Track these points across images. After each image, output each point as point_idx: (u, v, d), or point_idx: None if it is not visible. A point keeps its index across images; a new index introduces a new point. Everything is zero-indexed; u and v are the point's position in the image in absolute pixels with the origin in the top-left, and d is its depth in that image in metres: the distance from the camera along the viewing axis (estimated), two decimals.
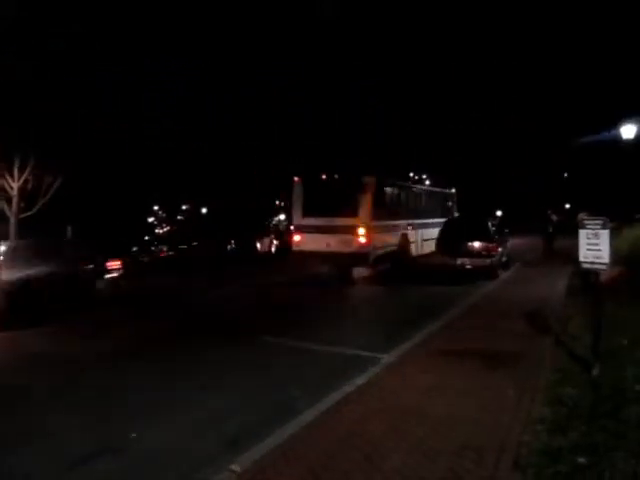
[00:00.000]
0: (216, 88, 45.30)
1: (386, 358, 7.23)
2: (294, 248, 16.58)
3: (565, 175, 63.28)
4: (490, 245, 15.41)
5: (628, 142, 22.15)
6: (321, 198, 16.02)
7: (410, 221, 18.83)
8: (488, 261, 15.32)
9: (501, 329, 8.78)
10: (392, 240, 17.27)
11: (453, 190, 26.04)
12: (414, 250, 19.10)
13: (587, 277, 9.41)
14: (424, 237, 19.92)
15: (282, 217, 59.58)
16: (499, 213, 50.17)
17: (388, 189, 17.84)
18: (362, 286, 15.49)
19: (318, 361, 7.42)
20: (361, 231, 15.20)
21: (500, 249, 16.47)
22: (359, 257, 15.23)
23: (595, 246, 5.89)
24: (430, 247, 18.88)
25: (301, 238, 16.19)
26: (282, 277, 17.71)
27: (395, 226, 17.68)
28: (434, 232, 18.35)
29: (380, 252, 16.19)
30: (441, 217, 20.83)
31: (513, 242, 22.40)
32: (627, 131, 21.55)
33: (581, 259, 6.11)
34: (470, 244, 15.48)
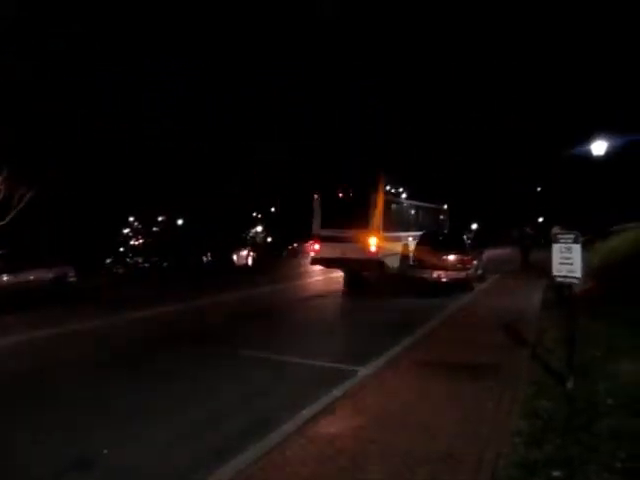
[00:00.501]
0: (198, 95, 45.23)
1: (364, 370, 7.23)
2: (313, 255, 18.53)
3: (538, 189, 64.38)
4: (465, 258, 15.57)
5: (599, 158, 22.69)
6: (337, 212, 18.27)
7: (410, 233, 20.47)
8: (463, 274, 15.46)
9: (478, 341, 8.85)
10: (397, 249, 18.94)
11: (445, 206, 28.47)
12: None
13: (561, 290, 9.59)
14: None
15: (259, 229, 59.44)
16: (474, 226, 50.87)
17: (394, 205, 19.90)
18: (341, 298, 15.47)
19: (296, 374, 7.38)
20: (372, 241, 17.05)
21: (475, 262, 16.65)
22: (370, 263, 16.92)
23: (568, 260, 6.00)
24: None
25: (319, 246, 18.18)
26: (259, 289, 17.64)
27: (399, 237, 19.42)
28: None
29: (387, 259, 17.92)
30: (434, 225, 23.48)
31: (491, 254, 22.77)
32: (597, 147, 22.08)
33: (554, 273, 6.21)
34: (446, 257, 15.62)
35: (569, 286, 6.27)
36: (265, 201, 61.94)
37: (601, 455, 4.08)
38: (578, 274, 5.97)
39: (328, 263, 18.20)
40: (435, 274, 15.60)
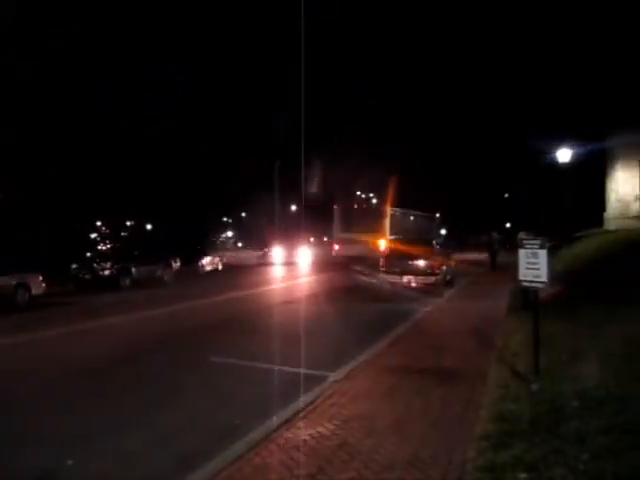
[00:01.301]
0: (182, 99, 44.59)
1: (334, 376, 7.23)
2: (334, 253, 24.09)
3: (506, 195, 65.64)
4: (434, 263, 15.74)
5: (564, 165, 23.30)
6: (354, 219, 23.79)
7: (410, 236, 23.13)
8: (432, 279, 15.63)
9: (446, 346, 8.94)
10: None
11: (437, 214, 35.00)
12: None
13: (527, 295, 9.77)
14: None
15: (230, 234, 59.03)
16: (443, 232, 51.46)
17: (398, 214, 25.07)
18: (309, 303, 15.44)
19: (266, 380, 7.31)
20: (382, 242, 21.61)
21: (444, 267, 16.84)
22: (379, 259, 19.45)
23: (534, 265, 6.12)
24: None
25: (339, 247, 23.62)
26: (229, 295, 17.49)
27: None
28: None
29: None
30: (429, 234, 27.74)
31: (460, 258, 23.15)
32: (563, 155, 22.67)
33: (521, 278, 6.33)
34: (415, 262, 15.77)
35: (535, 291, 6.40)
36: (236, 206, 61.68)
37: (567, 457, 4.14)
38: (544, 279, 6.10)
39: (347, 259, 22.49)
40: (405, 279, 15.75)
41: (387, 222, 23.85)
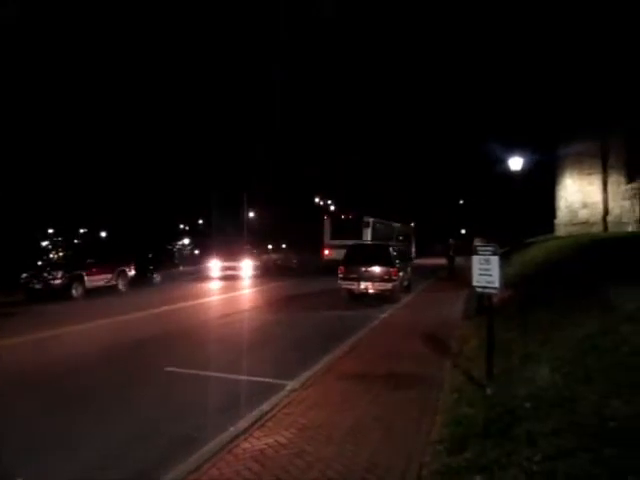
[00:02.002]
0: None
1: (291, 384, 7.20)
2: (325, 257, 27.90)
3: (461, 202, 67.03)
4: (392, 269, 15.89)
5: (516, 173, 23.99)
6: (341, 228, 28.03)
7: (389, 242, 27.38)
8: (390, 285, 15.78)
9: (403, 352, 9.03)
10: None
11: (412, 224, 40.27)
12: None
13: (481, 300, 9.98)
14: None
15: (186, 241, 58.11)
16: (401, 238, 52.06)
17: (377, 224, 29.51)
18: (265, 312, 15.34)
19: (223, 390, 7.22)
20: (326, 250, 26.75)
21: (401, 273, 17.03)
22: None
23: (487, 271, 6.26)
24: None
25: (329, 252, 27.08)
26: (185, 303, 17.20)
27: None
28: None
29: None
30: (404, 241, 34.84)
31: (423, 263, 23.58)
32: (514, 163, 23.34)
33: (474, 283, 6.47)
34: (372, 269, 15.90)
35: (488, 296, 6.55)
36: (192, 212, 60.94)
37: (520, 459, 4.23)
38: (496, 284, 6.24)
39: (336, 262, 24.19)
40: (362, 286, 15.85)
41: (368, 231, 28.33)
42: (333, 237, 27.62)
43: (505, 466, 4.13)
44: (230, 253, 31.42)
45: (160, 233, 46.74)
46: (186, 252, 48.12)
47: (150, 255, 28.18)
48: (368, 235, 27.83)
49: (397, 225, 35.22)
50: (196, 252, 47.25)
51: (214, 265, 28.69)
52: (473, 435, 4.89)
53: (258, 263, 37.33)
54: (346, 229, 27.95)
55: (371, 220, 28.86)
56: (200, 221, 67.46)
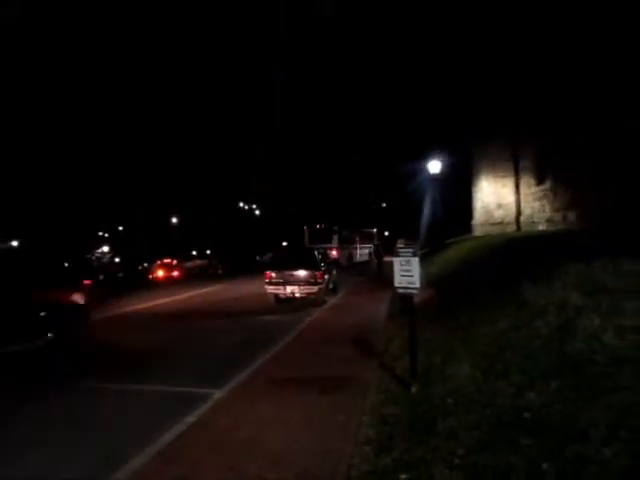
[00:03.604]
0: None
1: (219, 393, 7.08)
2: None
3: (384, 205, 68.46)
4: (317, 273, 16.00)
5: (435, 176, 24.84)
6: (317, 236, 36.12)
7: (353, 245, 40.31)
8: (315, 288, 15.88)
9: (330, 355, 9.10)
10: (346, 254, 37.89)
11: (375, 230, 47.98)
12: (355, 259, 40.35)
13: (405, 300, 10.23)
14: (360, 253, 41.82)
15: (106, 249, 55.97)
16: (364, 242, 52.68)
17: (344, 232, 38.62)
18: (186, 319, 14.99)
19: (147, 403, 6.97)
20: (334, 251, 33.48)
21: (327, 276, 17.19)
22: (334, 262, 26.17)
23: (408, 272, 6.43)
24: (362, 258, 42.05)
25: None
26: (105, 313, 16.52)
27: (347, 248, 38.59)
28: (364, 251, 42.13)
29: (343, 260, 35.70)
30: (368, 244, 43.46)
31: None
32: (433, 166, 24.17)
33: (396, 284, 6.63)
34: (298, 273, 15.94)
35: (410, 297, 6.73)
36: (112, 219, 58.85)
37: (443, 454, 4.36)
38: (417, 285, 6.43)
39: None
40: (289, 289, 15.87)
41: (335, 237, 36.46)
42: (311, 242, 34.51)
43: (430, 462, 4.26)
44: (156, 260, 31.28)
45: (78, 241, 44.72)
46: (106, 260, 46.31)
47: (67, 265, 26.86)
48: (336, 241, 36.26)
49: (361, 231, 43.20)
50: (116, 260, 45.56)
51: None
52: (399, 434, 5.00)
53: (182, 270, 36.62)
54: (320, 236, 36.02)
55: (337, 229, 38.00)
56: (121, 227, 65.24)
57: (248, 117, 69.03)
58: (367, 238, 43.85)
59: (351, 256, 39.62)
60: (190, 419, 6.02)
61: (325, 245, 31.96)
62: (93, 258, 44.29)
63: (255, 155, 61.55)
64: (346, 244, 38.56)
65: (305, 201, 64.18)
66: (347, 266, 36.17)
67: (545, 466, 3.62)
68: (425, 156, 25.57)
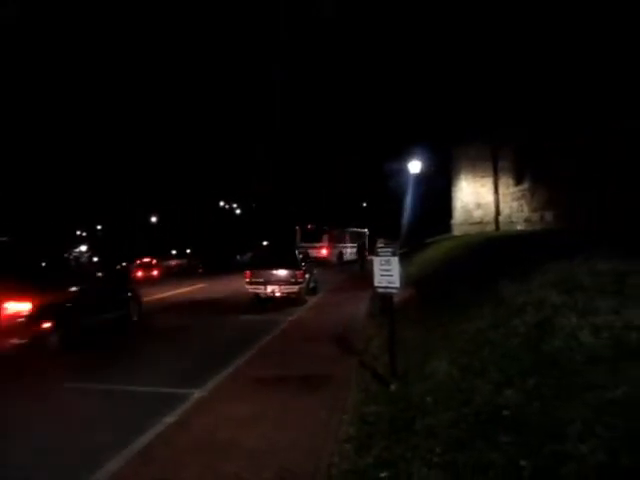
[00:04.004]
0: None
1: (198, 392, 7.03)
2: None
3: (364, 204, 68.59)
4: (298, 272, 15.98)
5: (415, 176, 24.99)
6: (308, 235, 37.61)
7: (343, 244, 42.06)
8: (296, 288, 15.86)
9: (310, 354, 9.11)
10: (336, 253, 39.58)
11: (365, 230, 48.64)
12: (345, 258, 40.90)
13: (385, 300, 10.27)
14: (350, 252, 41.29)
15: (84, 248, 55.17)
16: (354, 241, 52.65)
17: (335, 231, 40.38)
18: (167, 318, 14.86)
19: (126, 404, 6.90)
20: (324, 250, 36.98)
21: (307, 275, 17.17)
22: (325, 260, 33.67)
23: (387, 272, 6.45)
24: (352, 257, 39.59)
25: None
26: None
27: (337, 247, 40.33)
28: (354, 250, 38.45)
29: (333, 258, 38.16)
30: (358, 243, 40.80)
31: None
32: (413, 167, 24.31)
33: (376, 284, 6.65)
34: (278, 272, 15.90)
35: (390, 296, 6.75)
36: (90, 218, 58.12)
37: (422, 452, 4.39)
38: (397, 284, 6.45)
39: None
40: (269, 289, 15.82)
41: (325, 237, 38.22)
42: (302, 241, 36.11)
43: (409, 460, 4.28)
44: (135, 259, 31.13)
45: (55, 240, 44.04)
46: (83, 260, 45.68)
47: (44, 264, 26.47)
48: (326, 240, 38.17)
49: (350, 230, 44.73)
50: (94, 259, 44.97)
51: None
52: (379, 432, 5.02)
53: (161, 269, 36.33)
54: (310, 236, 37.64)
55: (326, 229, 39.51)
56: (99, 227, 64.46)
57: (248, 117, 68.93)
58: (358, 237, 45.02)
59: (341, 255, 40.96)
60: (169, 419, 5.96)
61: (316, 244, 35.36)
62: (71, 257, 43.64)
63: (255, 155, 61.49)
64: (336, 243, 40.44)
65: (305, 201, 64.31)
66: (337, 264, 38.20)
67: (523, 463, 3.65)
68: (406, 156, 25.73)
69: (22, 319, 9.13)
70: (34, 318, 9.29)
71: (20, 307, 9.20)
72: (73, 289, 11.14)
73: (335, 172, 59.52)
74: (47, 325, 9.66)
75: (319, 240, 37.51)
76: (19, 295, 9.30)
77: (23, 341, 9.19)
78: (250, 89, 76.87)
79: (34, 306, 9.29)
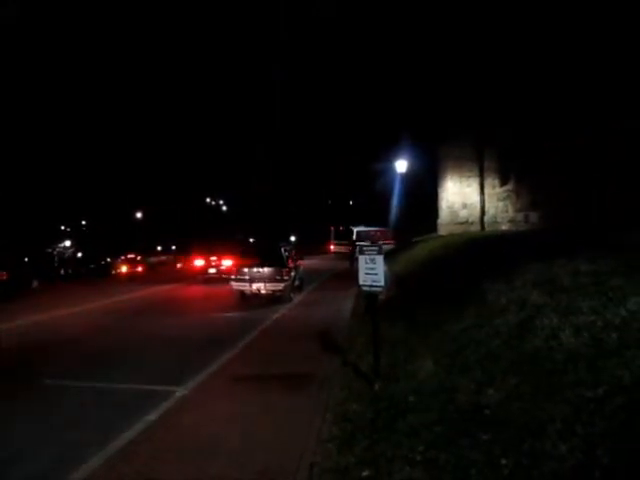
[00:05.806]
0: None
1: (181, 391, 7.00)
2: (331, 251, 45.03)
3: (350, 202, 68.65)
4: (283, 270, 15.95)
5: (402, 175, 25.05)
6: (339, 235, 44.09)
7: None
8: (282, 285, 15.82)
9: (294, 352, 9.10)
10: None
11: (389, 228, 47.87)
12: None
13: (369, 298, 10.28)
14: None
15: (68, 243, 54.70)
16: (293, 238, 52.62)
17: (360, 231, 38.82)
18: (152, 316, 14.74)
19: (108, 401, 6.83)
20: (331, 246, 45.41)
21: (293, 273, 17.14)
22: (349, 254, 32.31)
23: (372, 270, 6.45)
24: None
25: (334, 247, 43.79)
26: (68, 309, 16.15)
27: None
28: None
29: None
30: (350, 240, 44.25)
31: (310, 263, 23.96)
32: (400, 166, 24.37)
33: (361, 282, 6.65)
34: (264, 270, 15.86)
35: (375, 295, 6.75)
36: (75, 213, 57.50)
37: (404, 450, 4.40)
38: (382, 283, 6.45)
39: (337, 254, 41.42)
40: (254, 286, 15.78)
41: (354, 236, 38.79)
42: (335, 239, 44.21)
43: (391, 458, 4.29)
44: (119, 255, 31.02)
45: (38, 236, 43.57)
46: (67, 255, 45.26)
47: (27, 260, 26.28)
48: (352, 238, 39.75)
49: (376, 229, 46.66)
50: (78, 255, 44.60)
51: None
52: (361, 431, 5.02)
53: (146, 265, 36.11)
54: (342, 235, 43.11)
55: (354, 229, 41.16)
56: (83, 222, 63.84)
57: (248, 117, 68.69)
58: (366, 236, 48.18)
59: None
60: (151, 417, 5.93)
61: (344, 242, 40.56)
62: (54, 253, 43.22)
63: (255, 155, 61.38)
64: (358, 241, 43.29)
65: (304, 201, 64.46)
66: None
67: (504, 461, 3.68)
68: (394, 155, 25.76)
69: None
70: None
71: None
72: None
73: (335, 172, 59.50)
74: None
75: (349, 237, 40.90)
76: None
77: None
78: (250, 89, 76.66)
79: None
